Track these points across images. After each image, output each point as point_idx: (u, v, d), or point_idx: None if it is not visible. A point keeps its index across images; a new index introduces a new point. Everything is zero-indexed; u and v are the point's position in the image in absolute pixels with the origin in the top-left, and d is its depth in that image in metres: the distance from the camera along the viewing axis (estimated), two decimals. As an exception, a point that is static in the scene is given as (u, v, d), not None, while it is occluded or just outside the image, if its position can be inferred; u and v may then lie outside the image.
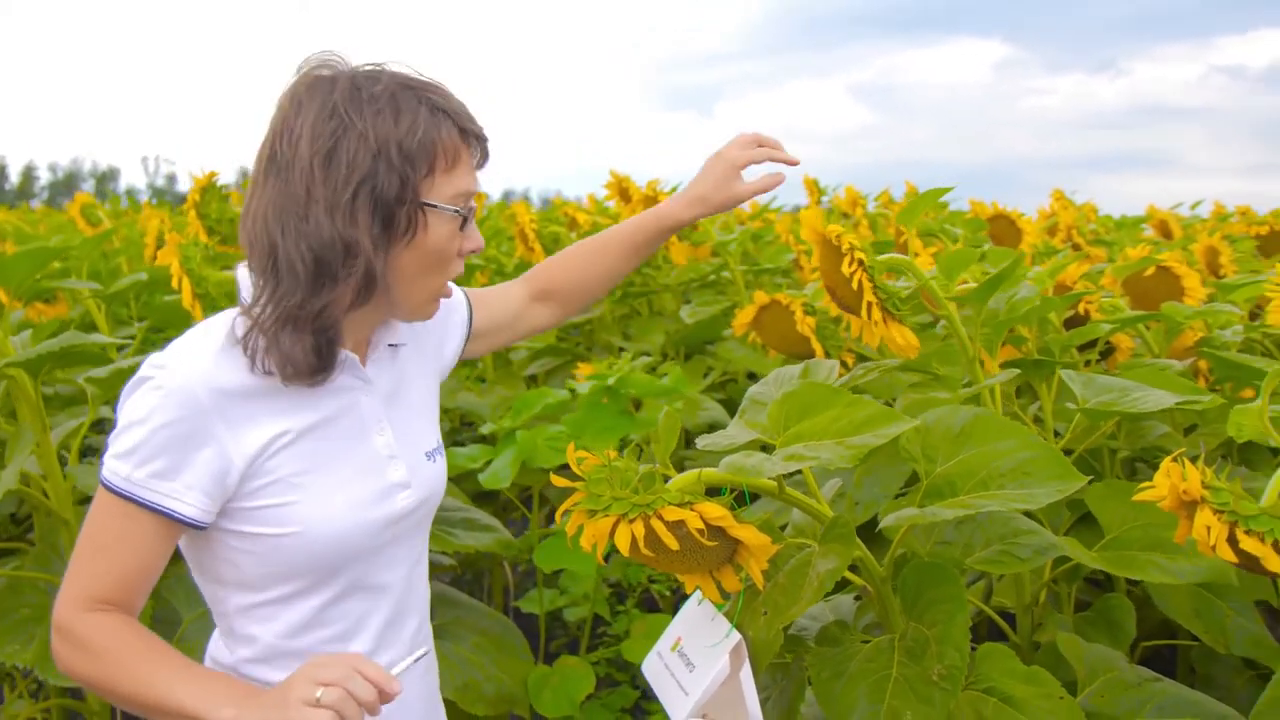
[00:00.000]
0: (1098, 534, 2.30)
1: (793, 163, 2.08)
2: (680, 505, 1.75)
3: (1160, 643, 2.89)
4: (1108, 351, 3.08)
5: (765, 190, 2.10)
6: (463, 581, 4.75)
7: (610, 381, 3.17)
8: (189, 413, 1.51)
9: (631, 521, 1.75)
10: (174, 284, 3.16)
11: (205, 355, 1.56)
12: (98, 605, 1.52)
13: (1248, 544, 1.52)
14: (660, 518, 1.73)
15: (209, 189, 3.68)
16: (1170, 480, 1.60)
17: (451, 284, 1.80)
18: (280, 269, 1.53)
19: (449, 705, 3.20)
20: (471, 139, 1.63)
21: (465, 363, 4.85)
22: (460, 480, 3.73)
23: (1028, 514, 2.44)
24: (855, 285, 2.23)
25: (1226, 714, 2.02)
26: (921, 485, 1.97)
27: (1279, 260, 4.22)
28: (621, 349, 4.70)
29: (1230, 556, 1.55)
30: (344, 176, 1.51)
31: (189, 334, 1.61)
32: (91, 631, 1.50)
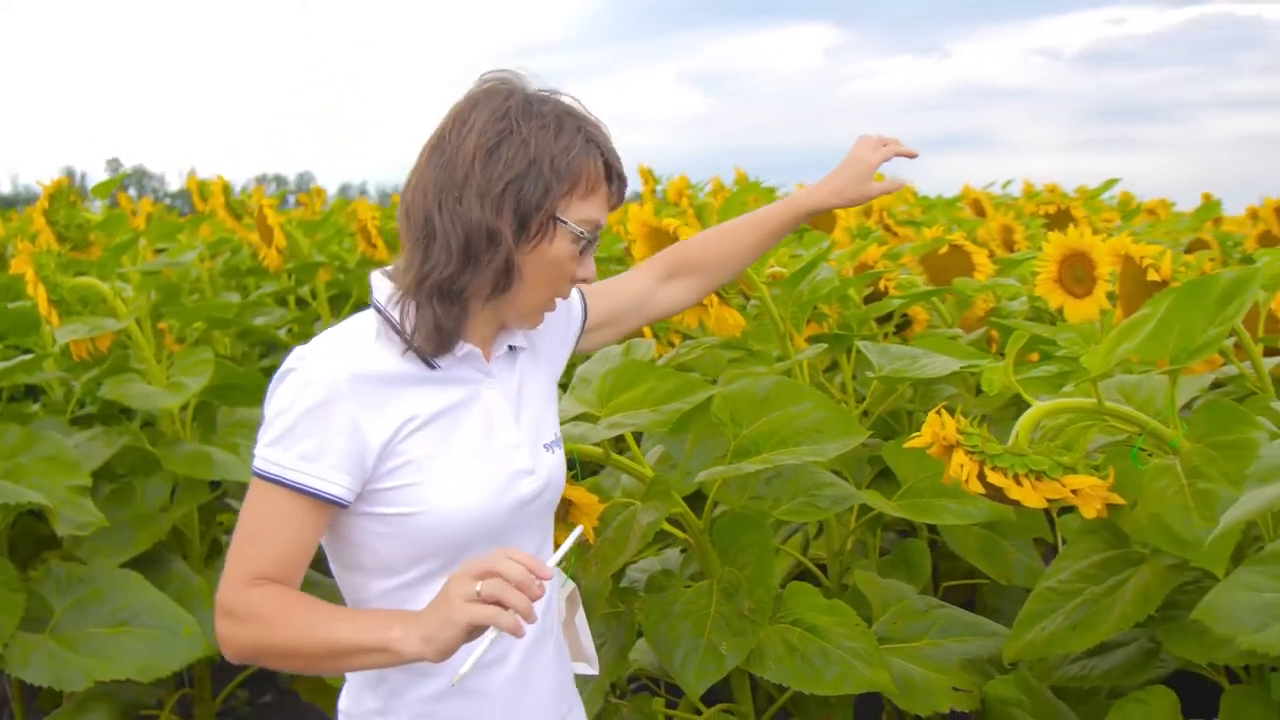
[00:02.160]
0: (896, 486, 2.61)
1: (913, 155, 2.26)
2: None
3: (960, 582, 3.22)
4: (905, 324, 3.39)
5: (892, 192, 2.28)
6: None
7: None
8: (330, 396, 1.62)
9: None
10: (29, 291, 3.28)
11: (342, 346, 1.68)
12: (257, 582, 1.60)
13: (993, 478, 1.83)
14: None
15: (58, 196, 3.76)
16: (933, 428, 1.90)
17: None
18: (435, 241, 1.66)
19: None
20: (614, 177, 1.75)
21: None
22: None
23: (837, 473, 2.75)
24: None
25: (996, 630, 2.34)
26: (731, 446, 2.25)
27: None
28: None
29: (979, 489, 1.85)
30: (499, 172, 1.65)
31: (328, 331, 1.74)
32: (253, 603, 1.58)
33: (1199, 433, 1.94)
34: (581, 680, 2.30)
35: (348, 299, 5.27)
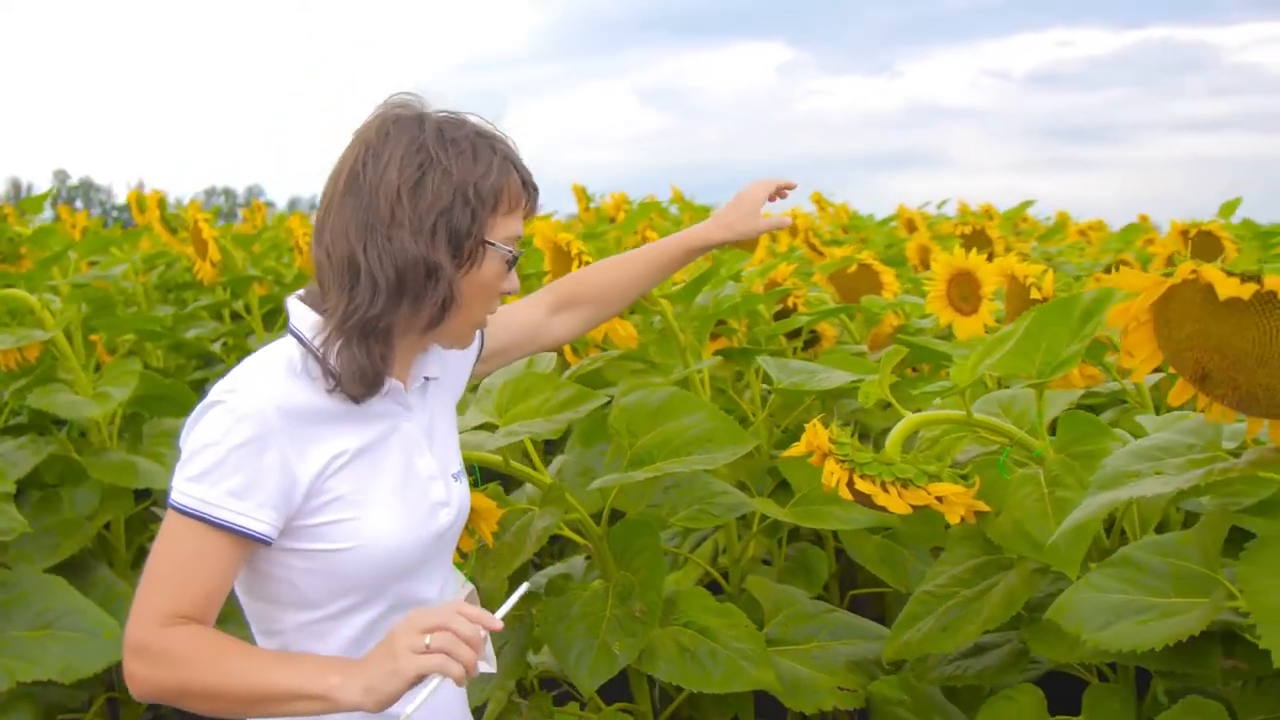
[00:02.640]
0: (791, 494, 2.71)
1: (792, 186, 2.32)
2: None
3: (868, 591, 3.32)
4: (814, 340, 3.50)
5: (779, 228, 2.33)
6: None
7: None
8: (261, 431, 1.61)
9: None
10: (-42, 302, 3.34)
11: (271, 379, 1.68)
12: (175, 621, 1.58)
13: (861, 485, 1.93)
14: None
15: (-16, 209, 3.84)
16: (808, 438, 2.00)
17: None
18: (360, 281, 1.66)
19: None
20: (530, 190, 1.79)
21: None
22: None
23: (742, 484, 2.85)
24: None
25: (883, 634, 2.45)
26: (627, 455, 2.35)
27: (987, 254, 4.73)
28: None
29: (848, 495, 1.95)
30: (428, 205, 1.66)
31: (248, 362, 1.73)
32: (172, 643, 1.56)
33: (1061, 443, 2.05)
34: (482, 679, 2.40)
35: (280, 313, 5.33)
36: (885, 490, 1.94)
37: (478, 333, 1.96)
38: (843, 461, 1.96)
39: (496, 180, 1.71)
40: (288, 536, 1.67)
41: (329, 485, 1.67)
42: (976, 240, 4.65)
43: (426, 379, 1.86)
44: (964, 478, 2.04)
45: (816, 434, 1.98)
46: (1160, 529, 2.10)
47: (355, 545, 1.69)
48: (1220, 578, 1.70)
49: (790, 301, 3.38)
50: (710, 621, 2.34)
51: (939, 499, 1.96)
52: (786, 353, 3.35)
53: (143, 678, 1.57)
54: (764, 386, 2.96)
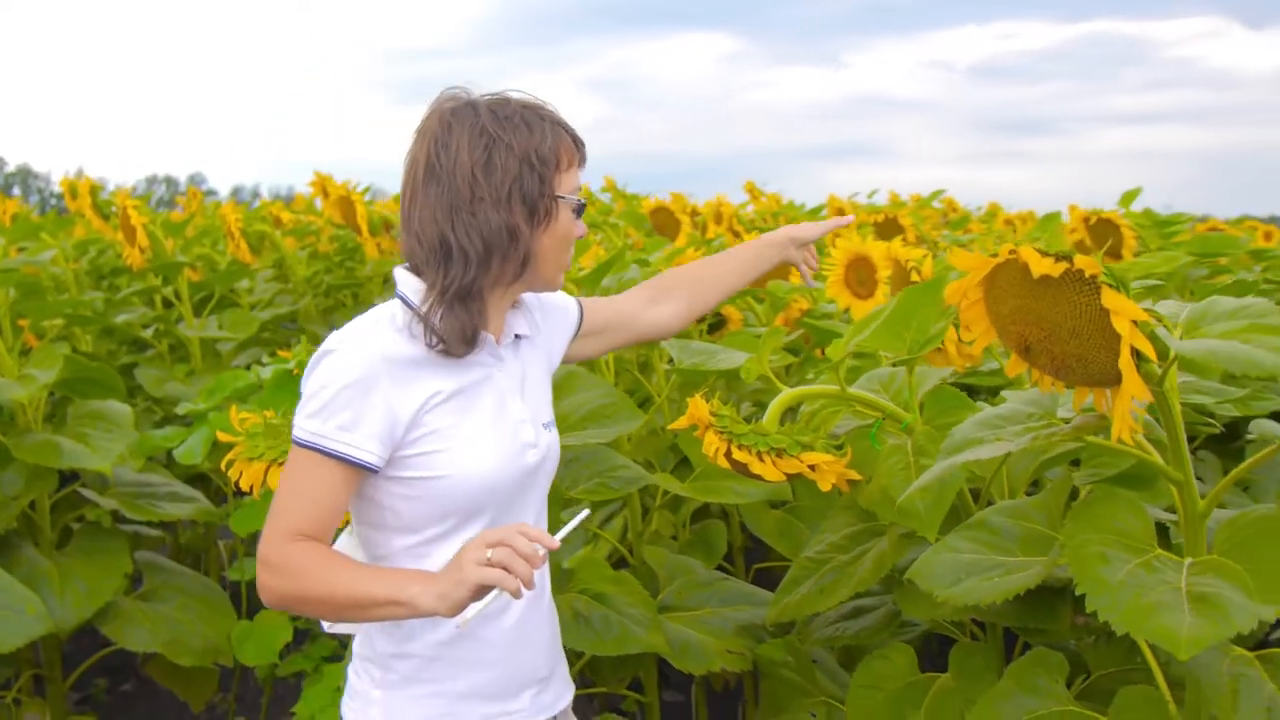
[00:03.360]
0: (690, 470, 2.84)
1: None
2: (321, 450, 2.20)
3: (772, 564, 3.46)
4: (720, 323, 3.62)
5: (841, 225, 2.59)
6: (185, 562, 5.06)
7: (291, 365, 3.56)
8: (367, 374, 1.84)
9: (280, 464, 2.20)
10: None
11: (376, 332, 1.91)
12: (296, 538, 1.81)
13: (738, 455, 2.06)
14: (304, 460, 2.18)
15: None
16: (691, 411, 2.12)
17: (564, 294, 2.24)
18: (454, 255, 1.89)
19: (157, 658, 3.59)
20: (580, 144, 2.01)
21: (182, 357, 5.15)
22: (172, 465, 4.08)
23: (649, 463, 2.97)
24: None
25: (768, 598, 2.57)
26: (527, 430, 2.46)
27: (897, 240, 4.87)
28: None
29: (725, 465, 2.08)
30: (500, 178, 1.89)
31: (357, 320, 1.97)
32: (290, 557, 1.80)
33: (928, 415, 2.19)
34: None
35: (212, 299, 5.39)
36: (761, 459, 2.07)
37: (577, 305, 2.26)
38: (722, 433, 2.09)
39: (552, 143, 1.94)
40: (392, 466, 1.90)
41: (426, 420, 1.89)
42: (889, 228, 4.78)
43: (518, 336, 2.07)
44: (838, 448, 2.17)
45: (699, 407, 2.11)
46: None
47: (450, 474, 1.90)
48: (1059, 537, 1.83)
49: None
50: (606, 589, 2.46)
51: (811, 467, 2.09)
52: (693, 335, 3.47)
53: (271, 587, 1.82)
54: (667, 367, 3.08)
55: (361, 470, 1.86)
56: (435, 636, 1.96)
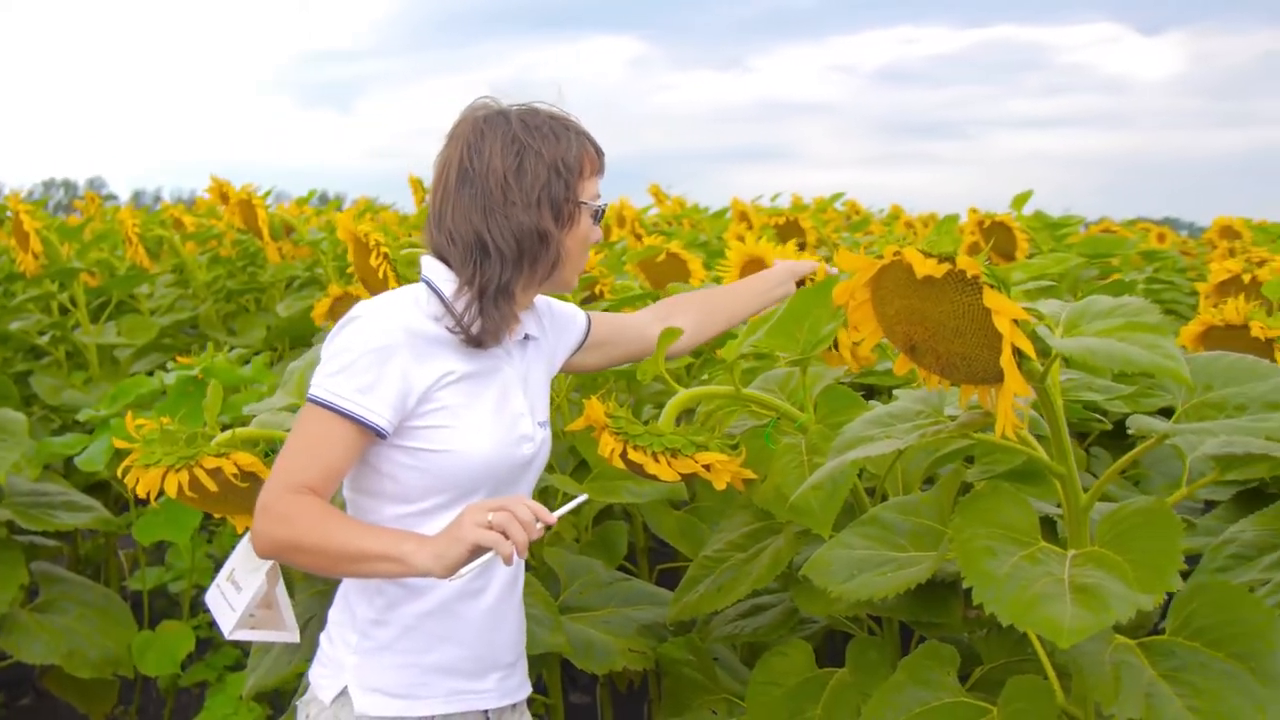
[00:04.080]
0: (589, 472, 2.85)
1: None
2: (218, 456, 2.20)
3: (675, 565, 3.48)
4: (620, 325, 3.63)
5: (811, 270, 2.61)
6: (86, 573, 4.98)
7: (195, 371, 3.53)
8: (390, 343, 1.94)
9: (178, 471, 2.19)
10: None
11: (401, 306, 2.01)
12: (300, 490, 1.88)
13: (634, 456, 2.08)
14: (201, 466, 2.18)
15: None
16: (587, 413, 2.14)
17: (574, 306, 2.37)
18: (490, 254, 2.01)
19: (55, 670, 3.54)
20: (600, 153, 2.14)
21: (79, 364, 5.08)
22: (71, 473, 4.03)
23: (547, 467, 2.97)
24: (381, 275, 2.73)
25: (669, 597, 2.59)
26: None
27: (793, 243, 4.92)
28: (232, 346, 4.99)
29: (621, 465, 2.10)
30: (530, 183, 2.01)
31: (385, 294, 2.07)
32: (291, 506, 1.86)
33: (821, 414, 2.22)
34: (288, 649, 2.50)
35: (110, 305, 5.31)
36: (656, 460, 2.09)
37: (585, 317, 2.37)
38: (617, 434, 2.11)
39: (577, 152, 2.07)
40: (399, 435, 1.98)
41: (438, 395, 1.98)
42: (789, 230, 4.83)
43: (527, 336, 2.17)
44: (733, 448, 2.19)
45: (594, 409, 2.13)
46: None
47: (452, 449, 1.99)
48: (948, 531, 1.86)
49: (596, 289, 3.52)
50: (509, 592, 2.46)
51: (706, 467, 2.11)
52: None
53: (264, 532, 1.88)
54: (565, 369, 3.09)
55: (370, 434, 1.94)
56: (417, 607, 2.03)
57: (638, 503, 2.78)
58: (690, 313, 2.48)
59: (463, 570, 1.76)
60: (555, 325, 2.28)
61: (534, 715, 2.45)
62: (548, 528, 1.80)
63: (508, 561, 1.75)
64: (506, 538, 1.73)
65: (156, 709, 4.47)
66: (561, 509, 1.85)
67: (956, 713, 1.87)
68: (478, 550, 1.75)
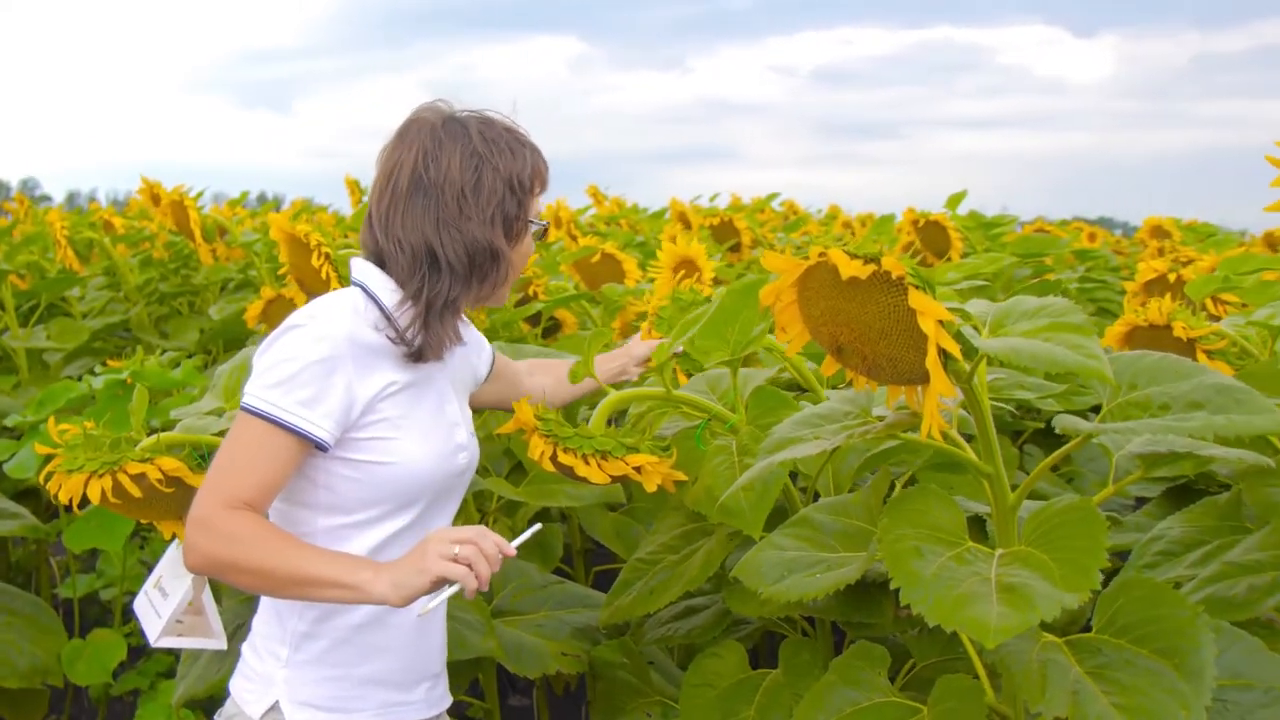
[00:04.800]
0: (525, 475, 2.84)
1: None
2: (142, 461, 2.17)
3: (612, 566, 3.47)
4: (555, 326, 3.64)
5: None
6: (16, 580, 4.91)
7: (125, 375, 3.48)
8: (334, 354, 1.90)
9: (101, 476, 2.16)
10: None
11: (345, 315, 1.96)
12: (238, 506, 1.82)
13: (564, 458, 2.08)
14: (125, 472, 2.15)
15: None
16: (517, 416, 2.13)
17: (482, 338, 2.35)
18: (440, 266, 1.98)
19: (-22, 681, 3.48)
20: (547, 171, 2.12)
21: (8, 369, 5.00)
22: (0, 479, 3.97)
23: (483, 470, 2.96)
24: (324, 276, 2.72)
25: (602, 600, 2.59)
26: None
27: (728, 245, 4.94)
28: (165, 350, 4.93)
29: (550, 468, 2.09)
30: (486, 199, 1.99)
31: (324, 299, 2.02)
32: (234, 524, 1.80)
33: (752, 415, 2.22)
34: (217, 657, 2.47)
35: (39, 308, 5.24)
36: (586, 462, 2.08)
37: (492, 351, 2.37)
38: (547, 436, 2.10)
39: (531, 169, 2.06)
40: (340, 447, 1.95)
41: (380, 407, 1.96)
42: (724, 231, 4.84)
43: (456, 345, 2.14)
44: (665, 449, 2.19)
45: (524, 411, 2.12)
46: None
47: (393, 461, 1.97)
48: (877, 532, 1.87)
49: (530, 289, 3.51)
50: (438, 596, 2.45)
51: (637, 469, 2.11)
52: (528, 339, 3.47)
53: (202, 548, 1.82)
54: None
55: (311, 446, 1.90)
56: (350, 619, 2.00)
57: (575, 505, 2.77)
58: (549, 375, 2.51)
59: (430, 603, 1.75)
60: (474, 342, 2.29)
61: (468, 719, 2.44)
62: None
63: (470, 595, 1.75)
64: (473, 570, 1.73)
65: (90, 718, 4.42)
66: (518, 539, 1.85)
67: (887, 713, 1.87)
68: (440, 582, 1.74)
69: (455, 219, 1.98)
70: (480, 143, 2.01)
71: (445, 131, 2.02)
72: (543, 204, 2.16)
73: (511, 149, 2.04)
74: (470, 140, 2.01)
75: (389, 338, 1.97)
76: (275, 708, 1.99)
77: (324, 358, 1.89)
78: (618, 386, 2.39)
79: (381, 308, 1.98)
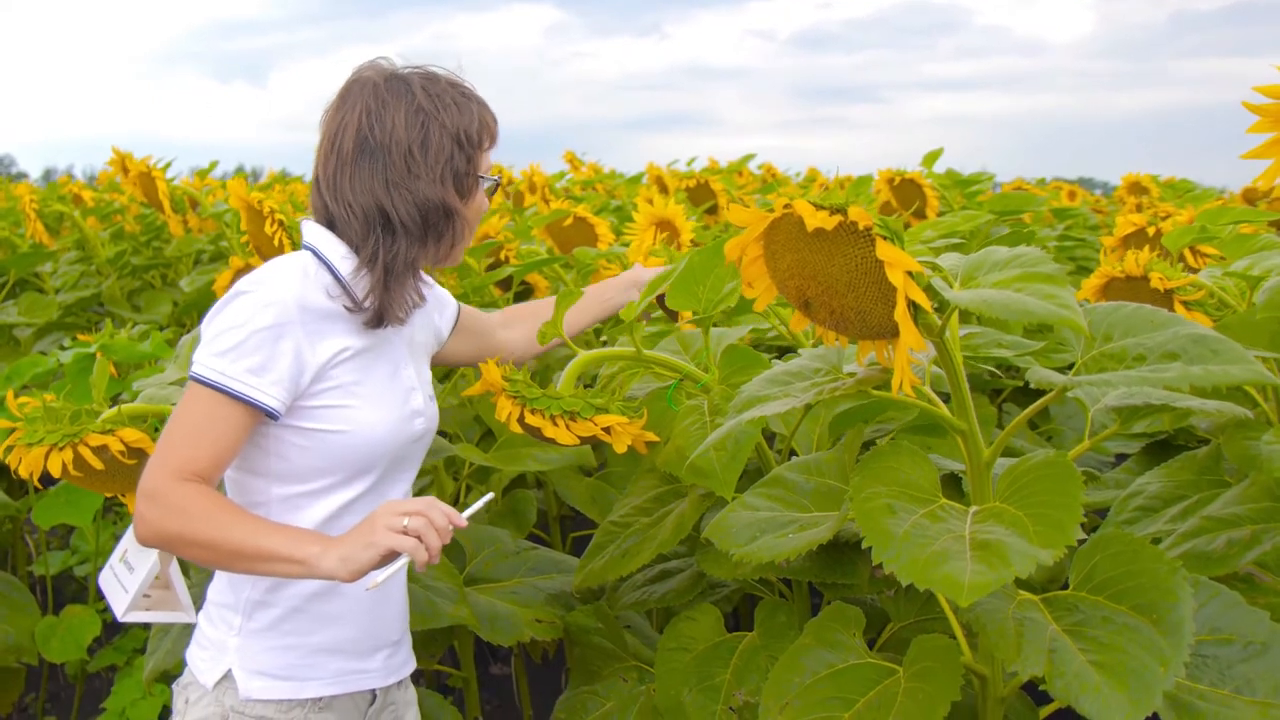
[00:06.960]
0: (494, 441, 2.81)
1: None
2: (103, 433, 2.12)
3: (587, 532, 3.44)
4: (527, 291, 3.60)
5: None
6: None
7: (93, 348, 3.44)
8: (282, 320, 1.85)
9: (61, 449, 2.11)
10: None
11: (294, 279, 1.91)
12: (188, 477, 1.79)
13: (531, 420, 2.04)
14: (86, 444, 2.10)
15: None
16: (485, 378, 2.10)
17: (446, 293, 2.32)
18: (394, 228, 1.95)
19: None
20: (496, 125, 2.08)
21: None
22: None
23: (454, 434, 2.93)
24: (277, 243, 2.66)
25: (575, 565, 2.56)
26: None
27: (705, 207, 4.89)
28: (137, 323, 4.89)
29: (519, 430, 2.06)
30: (434, 156, 1.95)
31: (272, 264, 1.97)
32: (184, 497, 1.77)
33: (723, 375, 2.19)
34: (188, 630, 2.44)
35: (8, 283, 5.18)
36: (554, 423, 2.05)
37: (456, 304, 2.33)
38: (514, 398, 2.06)
39: (479, 124, 2.02)
40: (291, 415, 1.91)
41: (333, 374, 1.92)
42: (701, 193, 4.79)
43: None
44: (635, 410, 2.16)
45: (491, 372, 2.08)
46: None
47: (347, 429, 1.94)
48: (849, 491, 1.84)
49: (502, 254, 3.46)
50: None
51: (606, 430, 2.07)
52: (499, 304, 3.43)
53: (152, 521, 1.79)
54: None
55: (261, 415, 1.87)
56: (304, 587, 1.98)
57: (548, 470, 2.74)
58: (528, 322, 2.45)
59: (379, 577, 1.70)
60: (436, 300, 2.24)
61: (455, 689, 2.42)
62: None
63: (421, 568, 1.72)
64: (423, 541, 1.70)
65: (68, 695, 4.39)
66: (469, 509, 1.82)
67: (862, 674, 1.84)
68: (390, 555, 1.71)
69: (404, 178, 1.95)
70: (425, 99, 1.98)
71: (388, 90, 1.98)
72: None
73: (457, 104, 2.00)
74: (414, 97, 1.97)
75: (345, 307, 1.93)
76: (229, 676, 1.97)
77: (271, 324, 1.85)
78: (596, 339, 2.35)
79: (334, 272, 1.95)
